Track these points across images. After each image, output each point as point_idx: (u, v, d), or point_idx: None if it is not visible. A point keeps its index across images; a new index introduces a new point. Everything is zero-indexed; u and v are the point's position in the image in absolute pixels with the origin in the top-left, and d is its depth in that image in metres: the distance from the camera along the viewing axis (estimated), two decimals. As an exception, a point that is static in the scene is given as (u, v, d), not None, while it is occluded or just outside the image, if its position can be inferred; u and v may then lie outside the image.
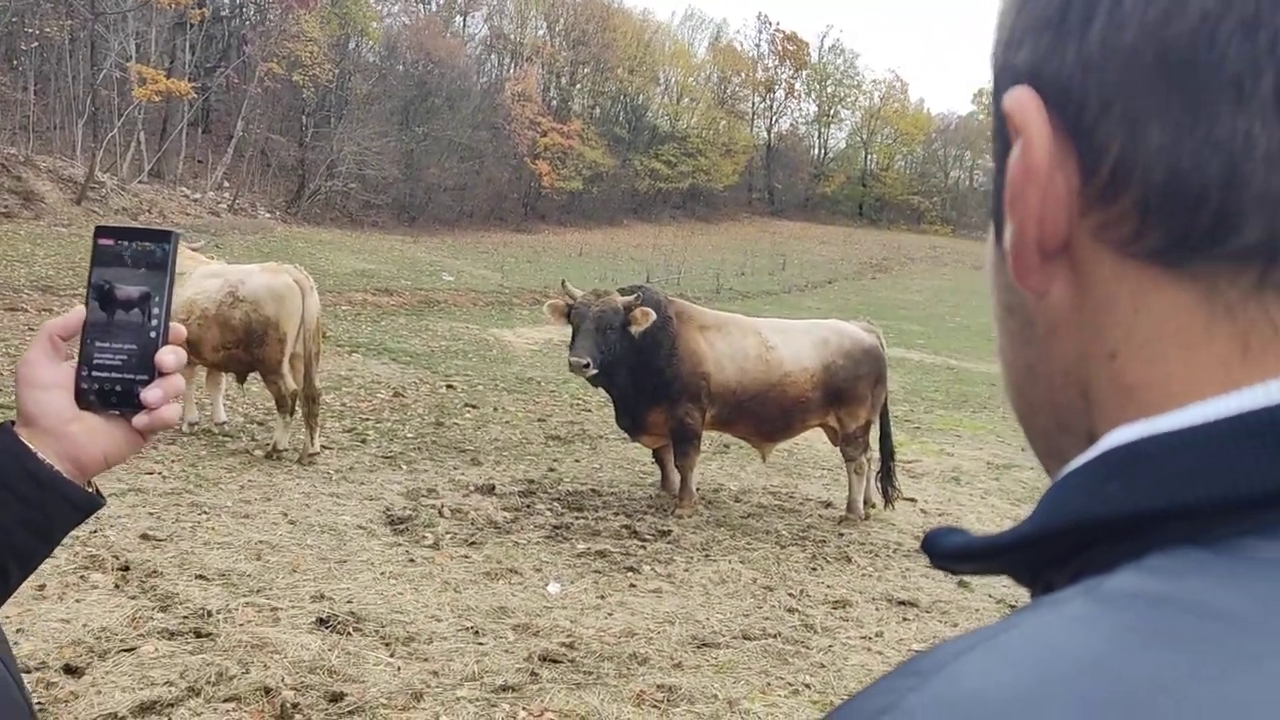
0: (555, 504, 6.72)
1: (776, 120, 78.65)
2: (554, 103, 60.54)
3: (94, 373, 0.94)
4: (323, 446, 7.47)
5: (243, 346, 7.21)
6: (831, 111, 79.52)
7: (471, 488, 6.93)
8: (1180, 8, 0.35)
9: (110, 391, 0.94)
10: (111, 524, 5.29)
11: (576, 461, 8.18)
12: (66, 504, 0.91)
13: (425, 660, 4.07)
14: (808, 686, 4.15)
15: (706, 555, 5.87)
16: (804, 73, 78.70)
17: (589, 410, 10.60)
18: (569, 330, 6.66)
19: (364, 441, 8.09)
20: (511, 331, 17.81)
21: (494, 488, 6.95)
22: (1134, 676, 0.30)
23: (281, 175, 41.59)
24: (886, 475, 7.14)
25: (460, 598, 4.82)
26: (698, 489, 7.12)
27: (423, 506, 6.31)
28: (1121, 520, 0.35)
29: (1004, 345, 0.47)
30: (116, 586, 4.52)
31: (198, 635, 4.08)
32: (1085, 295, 0.40)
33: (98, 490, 0.96)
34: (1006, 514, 7.76)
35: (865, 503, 7.10)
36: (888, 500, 7.18)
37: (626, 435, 7.34)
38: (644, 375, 6.63)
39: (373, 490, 6.63)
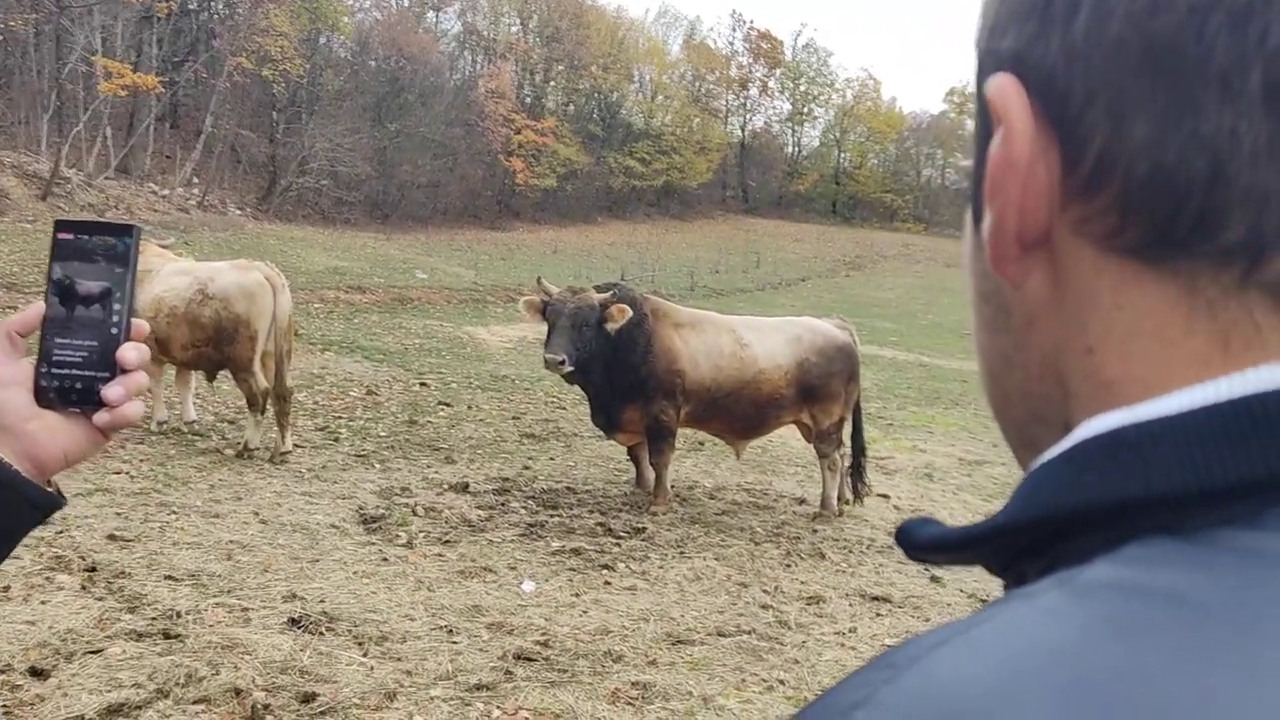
0: (530, 502, 6.69)
1: (750, 118, 78.97)
2: (528, 100, 60.38)
3: (53, 369, 0.92)
4: (295, 445, 7.40)
5: (212, 345, 7.13)
6: (805, 109, 79.90)
7: (445, 486, 6.89)
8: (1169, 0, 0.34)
9: (70, 389, 0.92)
10: (78, 524, 5.21)
11: (551, 459, 8.15)
12: (25, 503, 0.89)
13: (399, 660, 4.04)
14: (782, 682, 4.16)
15: (681, 552, 5.87)
16: (778, 71, 78.95)
17: (564, 408, 10.58)
18: (544, 327, 6.64)
19: (337, 440, 8.02)
20: (485, 329, 17.73)
21: (468, 486, 6.91)
22: (1109, 667, 0.29)
23: (252, 171, 41.17)
24: (857, 471, 7.20)
25: (434, 596, 4.79)
26: (672, 486, 7.13)
27: (396, 505, 6.27)
28: (1097, 510, 0.35)
29: (979, 331, 0.46)
30: (83, 588, 4.45)
31: (166, 636, 4.02)
32: (1064, 288, 0.39)
33: (58, 490, 0.94)
34: (978, 509, 7.83)
35: (839, 499, 7.13)
36: (857, 496, 7.23)
37: (602, 433, 7.33)
38: (620, 372, 6.62)
39: (345, 489, 6.58)
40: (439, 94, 50.98)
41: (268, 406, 7.21)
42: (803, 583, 5.53)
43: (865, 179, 76.90)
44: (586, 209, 58.81)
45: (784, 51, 78.84)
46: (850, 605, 5.23)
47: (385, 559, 5.27)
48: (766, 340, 6.97)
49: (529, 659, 4.15)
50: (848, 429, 7.22)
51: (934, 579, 5.78)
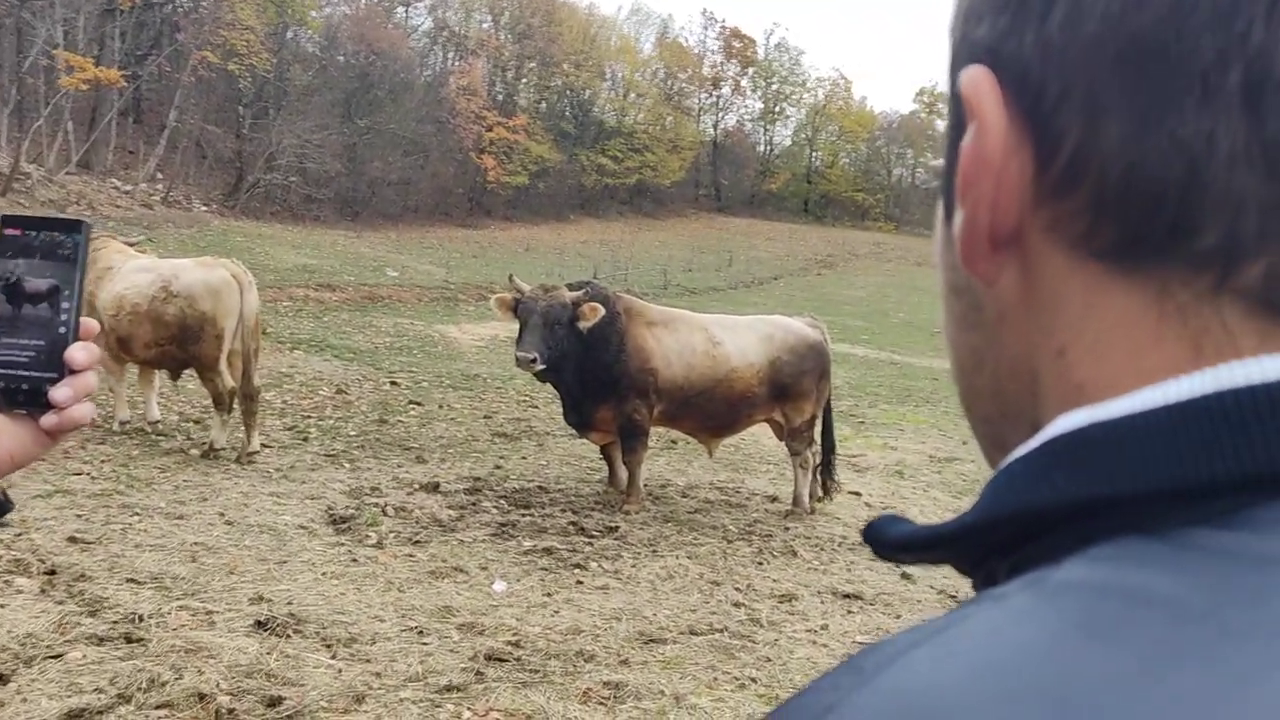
0: (501, 501, 6.65)
1: (723, 117, 79.12)
2: (499, 97, 60.12)
3: None
4: (262, 445, 7.31)
5: (177, 343, 7.01)
6: (777, 108, 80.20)
7: (416, 486, 6.83)
8: None
9: (16, 390, 0.89)
10: (37, 526, 5.11)
11: (523, 458, 8.11)
12: None
13: (367, 661, 4.00)
14: (754, 680, 4.16)
15: (654, 551, 5.86)
16: (750, 70, 79.20)
17: (536, 407, 10.53)
18: (516, 326, 6.60)
19: (305, 440, 7.93)
20: (457, 327, 17.64)
21: (439, 485, 6.86)
22: (1081, 671, 0.29)
23: (218, 167, 40.66)
24: (826, 468, 7.23)
25: (404, 597, 4.74)
26: (645, 485, 7.11)
27: (366, 505, 6.20)
28: (1065, 509, 0.34)
29: (950, 326, 0.45)
30: (43, 591, 4.36)
31: (128, 640, 3.95)
32: (1035, 288, 0.39)
33: (4, 494, 0.90)
34: (948, 506, 7.88)
35: (810, 497, 7.15)
36: (827, 493, 7.26)
37: (574, 431, 7.31)
38: (592, 371, 6.60)
39: (314, 489, 6.50)
40: (409, 90, 50.62)
41: (234, 406, 7.11)
42: (775, 580, 5.53)
43: (837, 178, 77.31)
44: (559, 207, 58.66)
45: (756, 50, 79.09)
46: (822, 603, 5.24)
47: (355, 560, 5.22)
48: (739, 339, 6.97)
49: (500, 659, 4.12)
50: (818, 427, 7.24)
51: (905, 576, 5.80)
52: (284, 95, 43.47)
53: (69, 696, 3.45)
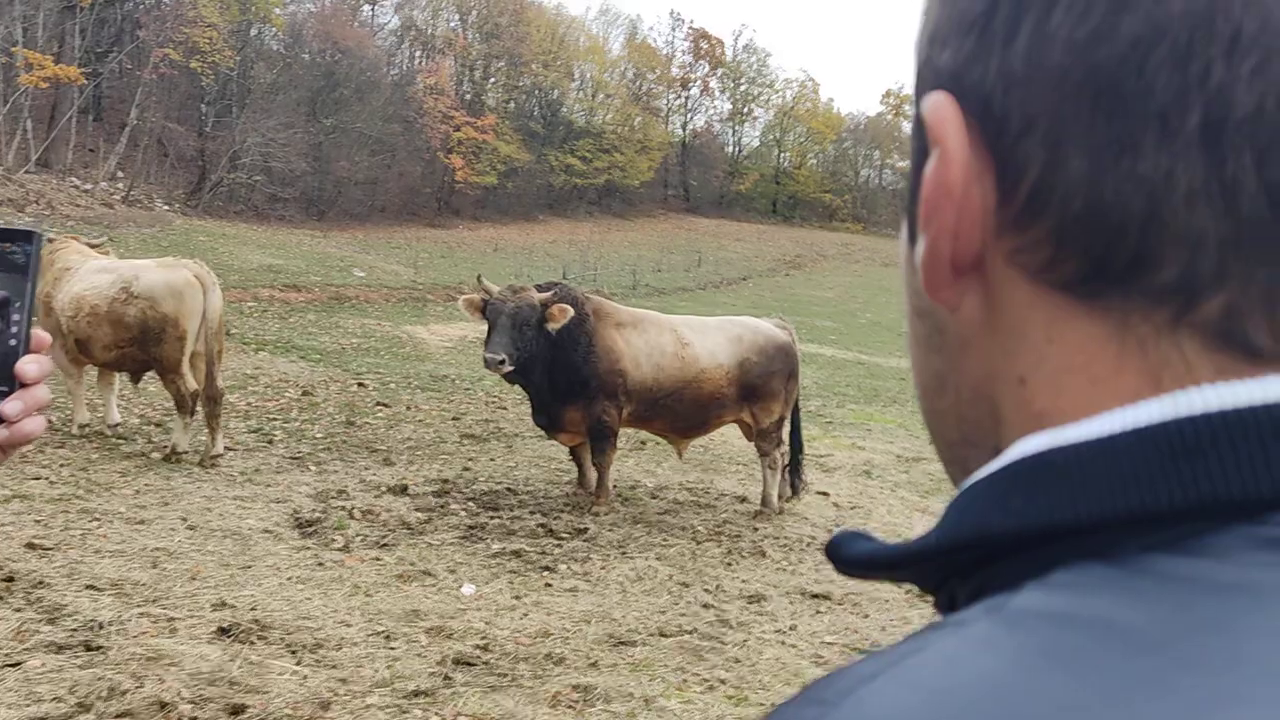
0: (470, 504, 6.61)
1: (691, 118, 79.25)
2: (467, 96, 59.80)
3: None
4: (226, 448, 7.21)
5: (138, 345, 6.90)
6: (745, 109, 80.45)
7: (383, 488, 6.77)
8: (1111, 31, 0.33)
9: (-37, 402, 0.86)
10: (-6, 533, 5.00)
11: (492, 460, 8.07)
12: None
13: (333, 667, 3.95)
14: (723, 682, 4.16)
15: (623, 553, 5.84)
16: (718, 71, 79.40)
17: (505, 408, 10.48)
18: (485, 326, 6.56)
19: (270, 442, 7.83)
20: (425, 328, 17.52)
21: (407, 488, 6.80)
22: (1041, 701, 0.29)
23: (180, 166, 40.12)
24: (794, 468, 7.26)
25: (371, 601, 4.69)
26: (614, 486, 7.10)
27: (332, 508, 6.14)
28: (1025, 535, 0.34)
29: (914, 347, 0.46)
30: (0, 598, 4.27)
31: (88, 648, 3.87)
32: (997, 316, 0.39)
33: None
34: (916, 505, 7.94)
35: (780, 497, 7.18)
36: (795, 492, 7.28)
37: (543, 433, 7.27)
38: (561, 372, 6.57)
39: (279, 492, 6.42)
40: (376, 89, 50.20)
41: (197, 408, 7.01)
42: (744, 581, 5.54)
43: (805, 179, 77.70)
44: (527, 207, 58.47)
45: (724, 51, 79.31)
46: (791, 603, 5.26)
47: (321, 564, 5.16)
48: (708, 340, 6.98)
49: (468, 664, 4.09)
50: (786, 427, 7.27)
51: (873, 575, 5.83)
52: (248, 93, 42.97)
53: (27, 706, 3.38)
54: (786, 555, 6.14)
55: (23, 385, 0.87)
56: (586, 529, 6.22)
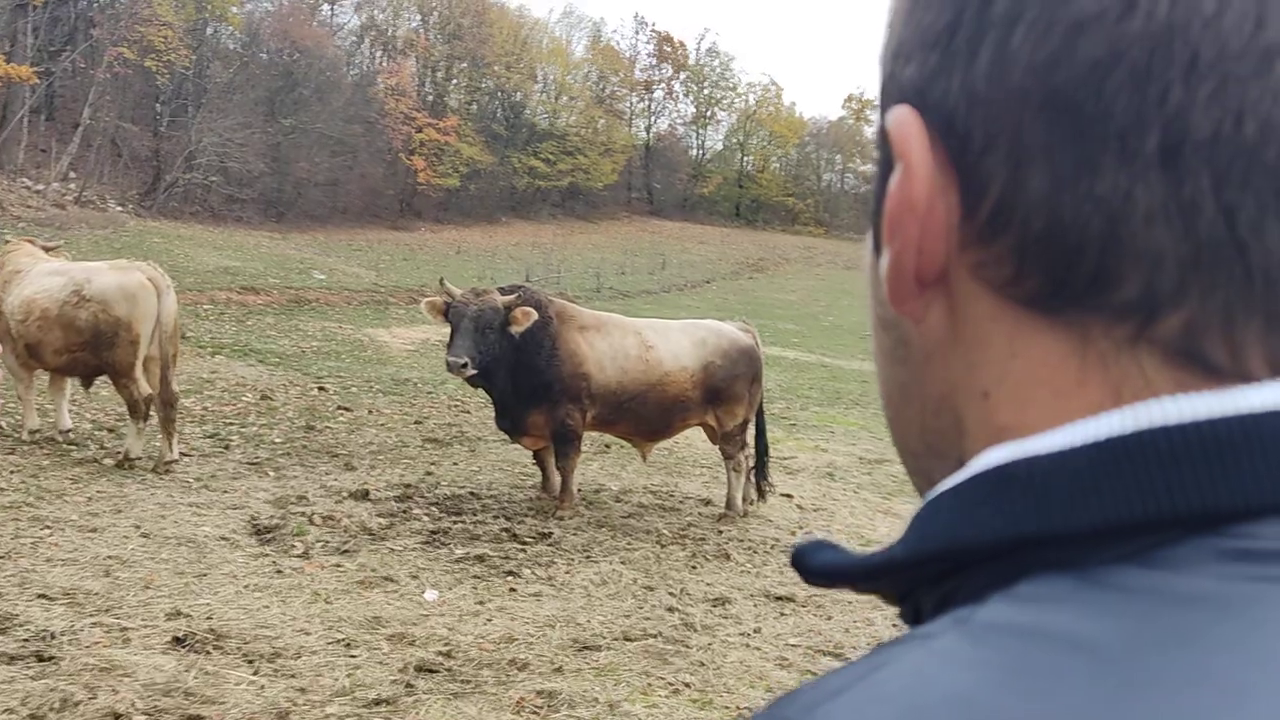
0: (433, 508, 6.54)
1: (655, 121, 79.37)
2: (429, 98, 59.42)
3: None
4: (181, 454, 7.07)
5: (89, 349, 6.75)
6: (708, 113, 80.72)
7: (344, 493, 6.68)
8: (1070, 53, 0.34)
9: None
10: (-61, 542, 4.86)
11: (455, 464, 8.00)
12: None
13: (292, 677, 3.88)
14: (688, 685, 4.15)
15: (587, 557, 5.82)
16: (681, 74, 79.62)
17: (468, 412, 10.41)
18: (447, 329, 6.51)
19: (227, 447, 7.70)
20: (387, 331, 17.37)
21: (368, 493, 6.72)
22: (1007, 715, 0.29)
23: (134, 166, 39.43)
24: (760, 471, 7.28)
25: (331, 609, 4.62)
26: (578, 490, 7.07)
27: (291, 514, 6.04)
28: (991, 546, 0.35)
29: (879, 358, 0.46)
30: (-56, 611, 4.15)
31: (40, 659, 3.78)
32: (960, 329, 0.39)
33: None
34: (878, 507, 8.00)
35: (744, 499, 7.19)
36: (761, 495, 7.31)
37: (506, 437, 7.23)
38: (524, 376, 6.54)
39: (237, 499, 6.31)
40: (336, 89, 49.70)
41: (151, 413, 6.87)
42: (708, 584, 5.54)
43: (767, 182, 78.13)
44: (490, 209, 58.20)
45: (687, 55, 79.54)
46: (755, 606, 5.26)
47: (279, 571, 5.07)
48: (672, 343, 6.98)
49: (431, 670, 4.04)
50: (751, 430, 7.29)
51: (836, 577, 5.86)
52: (204, 93, 42.34)
53: (-28, 721, 3.29)
54: (751, 558, 6.15)
55: None
56: (551, 533, 6.19)
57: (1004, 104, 0.35)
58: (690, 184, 76.79)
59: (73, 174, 34.56)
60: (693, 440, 8.84)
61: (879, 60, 0.42)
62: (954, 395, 0.40)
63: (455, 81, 63.48)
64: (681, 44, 78.89)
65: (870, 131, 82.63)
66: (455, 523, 6.26)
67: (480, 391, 7.14)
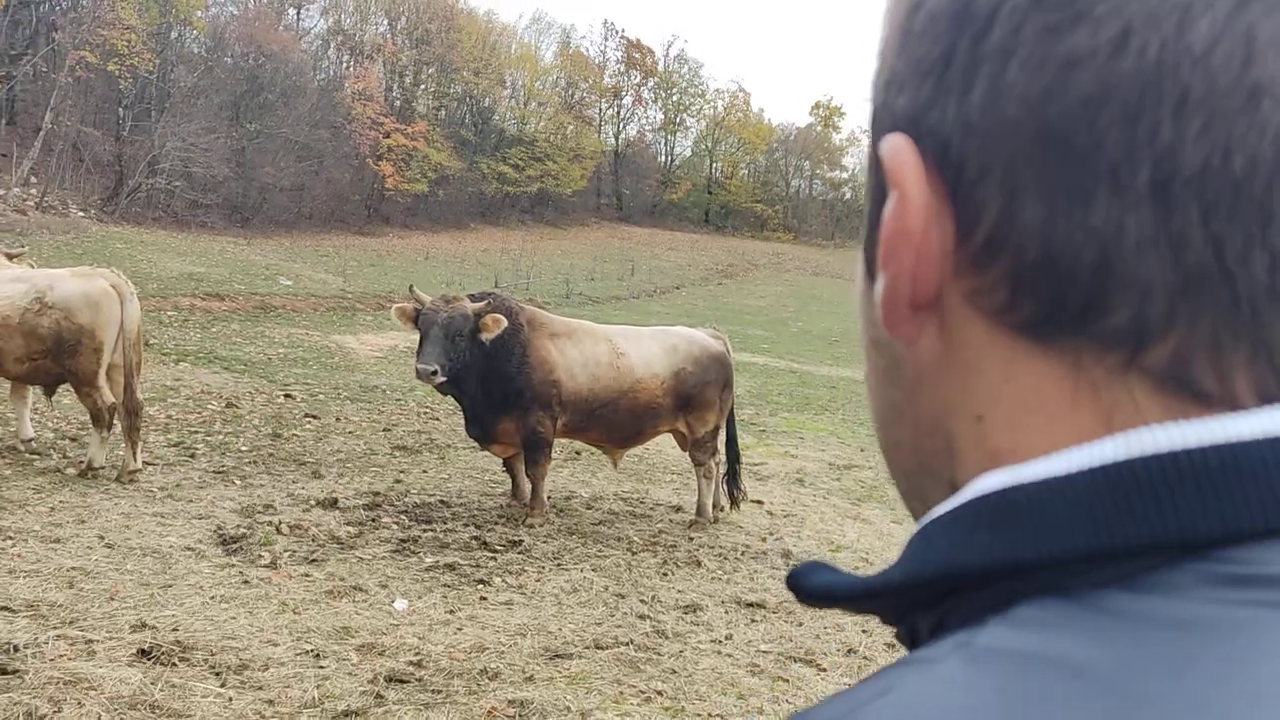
0: (402, 516, 6.50)
1: (624, 127, 79.46)
2: (397, 103, 59.02)
3: None
4: (145, 463, 6.98)
5: (52, 357, 6.64)
6: (677, 119, 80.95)
7: (312, 502, 6.62)
8: (1063, 88, 0.34)
9: None
10: (-105, 555, 4.76)
11: (424, 472, 7.96)
12: None
13: (260, 689, 3.84)
14: (660, 693, 4.15)
15: (558, 564, 5.81)
16: (650, 80, 79.79)
17: (437, 419, 10.35)
18: (416, 336, 6.47)
19: (192, 456, 7.61)
20: (355, 338, 17.22)
21: (336, 501, 6.66)
22: None
23: (97, 171, 38.79)
24: (732, 478, 7.30)
25: (299, 619, 4.58)
26: (549, 497, 7.05)
27: (258, 524, 5.98)
28: (988, 570, 0.36)
29: (871, 378, 0.46)
30: (-99, 625, 4.06)
31: (3, 673, 3.71)
32: (954, 353, 0.40)
33: None
34: (848, 513, 8.05)
35: (714, 506, 7.21)
36: (734, 502, 7.33)
37: (476, 444, 7.20)
38: (495, 383, 6.52)
39: (202, 508, 6.24)
40: (302, 94, 49.22)
41: (114, 422, 6.77)
42: (679, 591, 5.55)
43: (736, 189, 78.44)
44: (459, 215, 57.91)
45: (656, 62, 79.72)
46: (726, 612, 5.28)
47: (246, 581, 5.02)
48: (643, 350, 6.99)
49: (401, 681, 4.02)
50: (722, 437, 7.31)
51: (806, 582, 5.89)
52: (167, 97, 41.78)
53: (-70, 739, 3.22)
54: (721, 564, 6.17)
55: None
56: (521, 541, 6.17)
57: (998, 135, 0.36)
58: (659, 190, 76.92)
59: (34, 179, 33.95)
60: (663, 447, 8.85)
61: (870, 89, 0.43)
62: (947, 417, 0.41)
63: (423, 87, 63.14)
64: (650, 50, 79.09)
65: (837, 139, 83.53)
66: (425, 531, 6.22)
67: (450, 398, 7.10)
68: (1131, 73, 0.34)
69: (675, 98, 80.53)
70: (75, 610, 4.40)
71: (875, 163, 0.41)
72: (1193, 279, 0.34)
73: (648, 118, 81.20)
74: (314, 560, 5.44)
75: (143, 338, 7.47)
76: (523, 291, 28.58)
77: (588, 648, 4.56)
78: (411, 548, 5.84)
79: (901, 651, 0.39)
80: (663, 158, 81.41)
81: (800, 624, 5.19)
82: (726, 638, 4.89)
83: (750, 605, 5.41)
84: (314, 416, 9.76)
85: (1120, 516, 0.33)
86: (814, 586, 0.41)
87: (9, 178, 32.39)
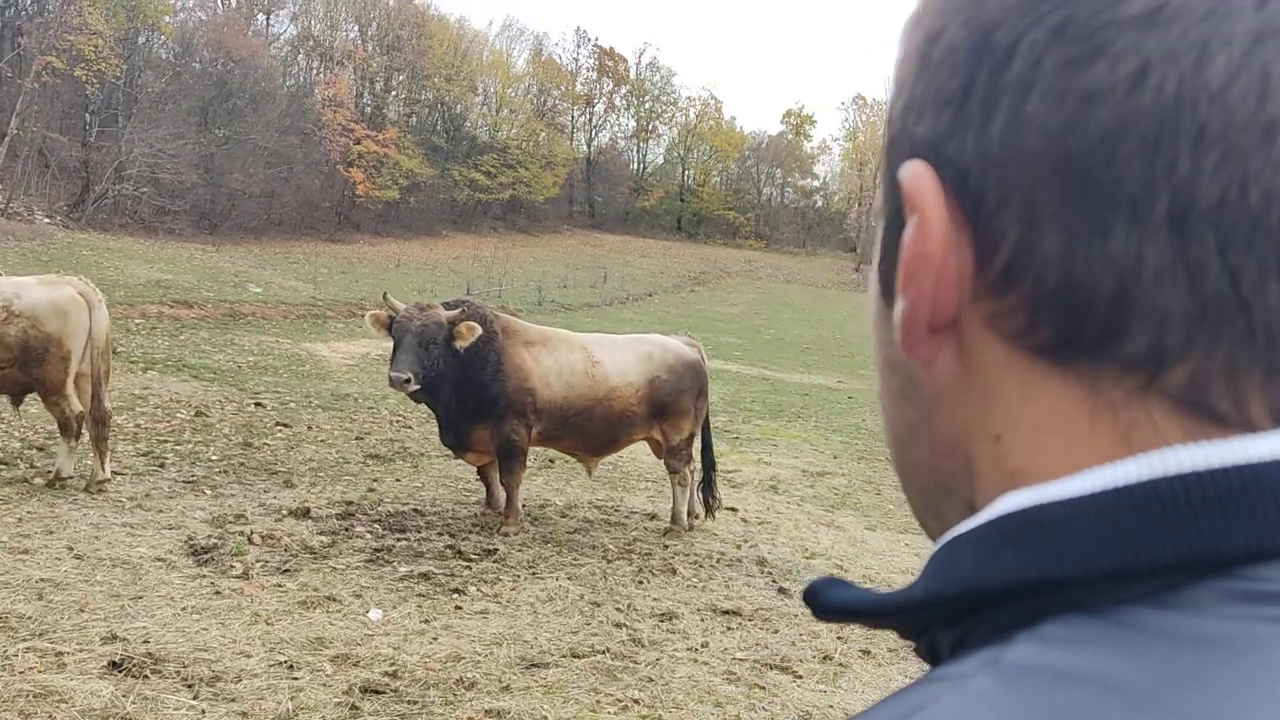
0: (375, 526, 6.46)
1: (596, 134, 79.54)
2: (368, 109, 58.70)
3: None
4: (114, 472, 6.89)
5: (18, 366, 6.54)
6: (650, 127, 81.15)
7: (284, 512, 6.56)
8: (1082, 122, 0.35)
9: None
10: None
11: (397, 481, 7.91)
12: None
13: (233, 701, 3.81)
14: (636, 702, 4.16)
15: (533, 573, 5.80)
16: (623, 88, 79.94)
17: (410, 427, 10.30)
18: (389, 344, 6.44)
19: (162, 465, 7.52)
20: (326, 345, 17.09)
21: (309, 511, 6.61)
22: None
23: (63, 177, 38.24)
24: (708, 486, 7.32)
25: (272, 630, 4.54)
26: (523, 505, 7.04)
27: (230, 534, 5.92)
28: (1013, 588, 0.36)
29: (885, 398, 0.47)
30: None
31: (-33, 689, 3.65)
32: (972, 375, 0.40)
33: None
34: (821, 520, 8.10)
35: (689, 513, 7.23)
36: (709, 510, 7.35)
37: (450, 452, 7.17)
38: (469, 391, 6.50)
39: (172, 518, 6.17)
40: (271, 100, 48.81)
41: (83, 431, 6.68)
42: (655, 599, 5.56)
43: (709, 196, 78.72)
44: (430, 222, 57.64)
45: (628, 69, 79.92)
46: (702, 620, 5.30)
47: (218, 592, 4.97)
48: (618, 358, 7.00)
49: (376, 692, 3.99)
50: (697, 444, 7.34)
51: (781, 590, 5.93)
52: (135, 102, 41.28)
53: (-105, 755, 3.16)
54: (697, 572, 6.18)
55: None
56: (496, 549, 6.15)
57: (1018, 165, 0.37)
58: (632, 197, 77.03)
59: (-3, 184, 33.42)
60: (637, 455, 8.86)
61: (887, 112, 0.44)
62: (965, 437, 0.41)
63: (394, 93, 62.85)
64: (623, 58, 79.27)
65: (809, 147, 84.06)
66: (399, 540, 6.19)
67: (422, 406, 7.07)
68: (1150, 108, 0.34)
69: (647, 105, 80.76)
70: (45, 622, 4.34)
71: (892, 187, 0.42)
72: (1209, 307, 0.35)
73: (620, 125, 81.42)
74: (287, 570, 5.40)
75: (111, 346, 7.38)
76: (495, 299, 28.50)
77: (564, 656, 4.56)
78: (385, 557, 5.81)
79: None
80: (635, 165, 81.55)
81: (776, 631, 5.22)
82: (703, 645, 4.90)
83: (726, 613, 5.43)
84: (285, 425, 9.67)
85: (1145, 535, 0.34)
86: (835, 603, 0.42)
87: (-29, 183, 31.86)
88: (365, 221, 53.53)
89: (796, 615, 5.51)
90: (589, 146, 78.00)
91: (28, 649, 4.02)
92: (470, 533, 6.53)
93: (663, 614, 5.30)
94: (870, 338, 0.47)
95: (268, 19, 58.76)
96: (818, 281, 60.97)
